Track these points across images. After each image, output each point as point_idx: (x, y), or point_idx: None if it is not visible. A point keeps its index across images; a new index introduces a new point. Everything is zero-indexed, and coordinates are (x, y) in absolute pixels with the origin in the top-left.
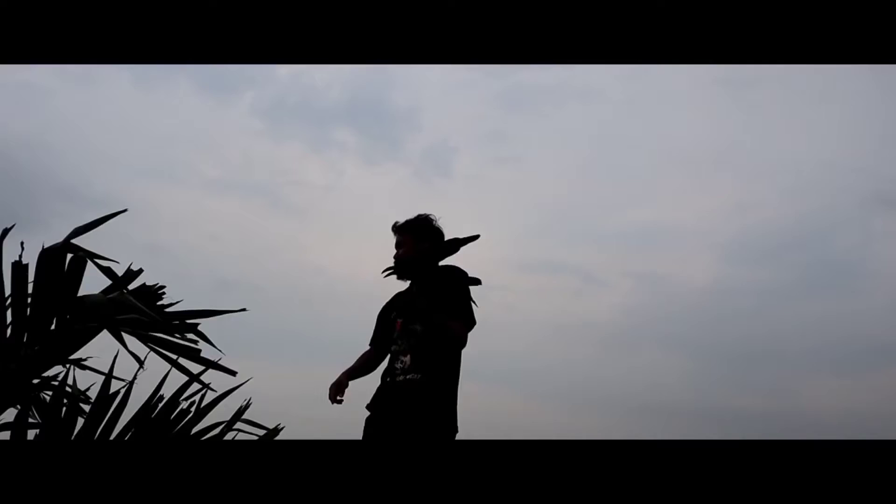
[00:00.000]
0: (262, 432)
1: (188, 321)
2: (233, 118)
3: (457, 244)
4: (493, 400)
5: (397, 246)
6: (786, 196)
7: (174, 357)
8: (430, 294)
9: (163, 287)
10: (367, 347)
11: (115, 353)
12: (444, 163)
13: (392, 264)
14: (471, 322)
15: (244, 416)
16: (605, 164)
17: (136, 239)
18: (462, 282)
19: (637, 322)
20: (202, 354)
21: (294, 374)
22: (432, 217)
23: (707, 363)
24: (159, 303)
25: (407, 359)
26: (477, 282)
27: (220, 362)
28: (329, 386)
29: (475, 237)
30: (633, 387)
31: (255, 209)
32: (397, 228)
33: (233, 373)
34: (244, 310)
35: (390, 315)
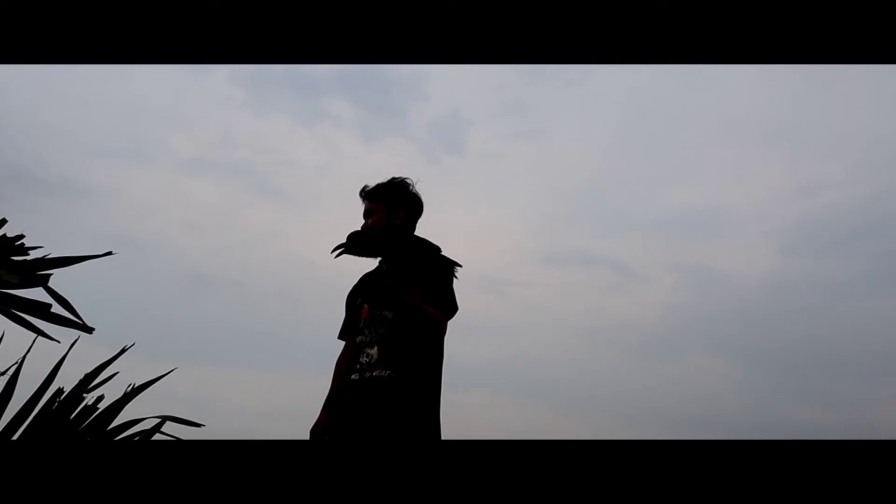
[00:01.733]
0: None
1: (39, 272)
2: (209, 87)
3: (437, 250)
4: (512, 414)
5: (366, 215)
6: (856, 175)
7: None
8: (403, 273)
9: (22, 237)
10: (342, 348)
11: None
12: (454, 138)
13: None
14: (452, 308)
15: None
16: (643, 137)
17: (98, 228)
18: (442, 259)
19: (681, 323)
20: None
21: (279, 383)
22: (409, 181)
23: (762, 370)
24: (21, 257)
25: (374, 352)
26: (456, 265)
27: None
28: (309, 431)
29: (456, 265)
30: (676, 398)
31: (235, 193)
32: (367, 194)
33: (89, 329)
34: (110, 253)
35: (356, 301)
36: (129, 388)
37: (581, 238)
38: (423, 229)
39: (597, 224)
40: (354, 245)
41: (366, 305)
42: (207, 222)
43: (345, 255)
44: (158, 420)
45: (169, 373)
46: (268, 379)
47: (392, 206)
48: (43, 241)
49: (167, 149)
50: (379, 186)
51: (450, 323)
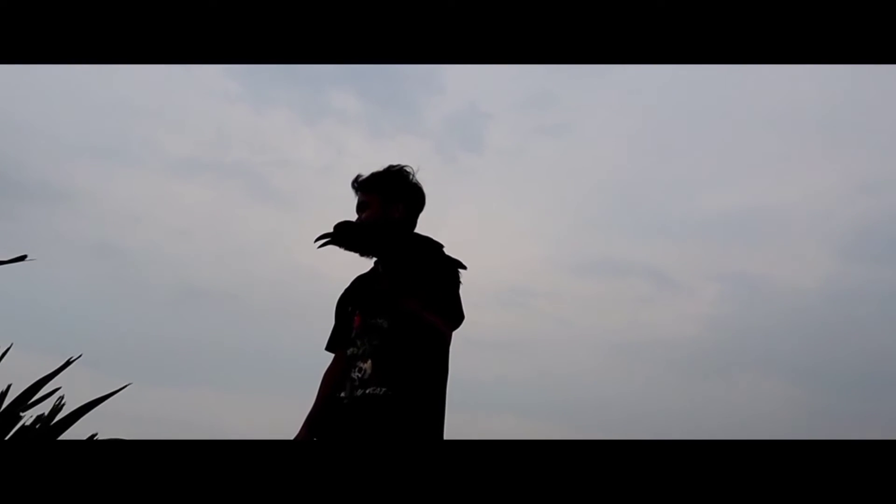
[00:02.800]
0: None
1: None
2: (201, 81)
3: (439, 249)
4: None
5: (359, 209)
6: None
7: None
8: (401, 275)
9: None
10: (331, 359)
11: None
12: (472, 134)
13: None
14: (457, 316)
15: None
16: (680, 131)
17: (82, 236)
18: (445, 260)
19: (727, 337)
20: None
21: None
22: (408, 169)
23: (818, 390)
24: None
25: (367, 366)
26: (459, 265)
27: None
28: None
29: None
30: (723, 421)
31: (231, 197)
32: (360, 185)
33: None
34: (24, 257)
35: (347, 307)
36: (60, 404)
37: (614, 244)
38: (438, 234)
39: (631, 229)
40: (342, 236)
41: (358, 313)
42: (200, 229)
43: (345, 258)
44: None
45: (121, 389)
46: (265, 403)
47: (389, 198)
48: (20, 249)
49: (155, 149)
50: (374, 176)
51: (469, 340)
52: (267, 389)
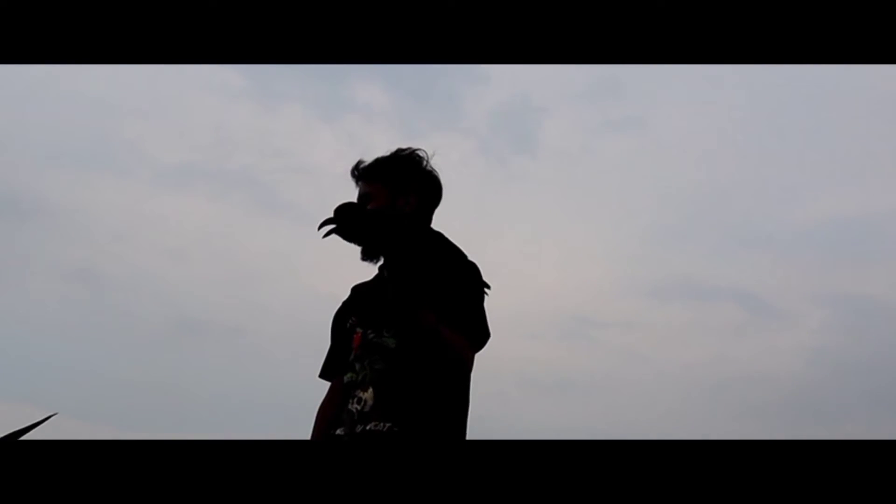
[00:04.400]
0: None
1: None
2: (196, 72)
3: (460, 254)
4: None
5: (360, 202)
6: None
7: None
8: (413, 279)
9: None
10: (326, 391)
11: None
12: (524, 131)
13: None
14: (482, 334)
15: None
16: (774, 128)
17: (54, 259)
18: (468, 264)
19: (835, 373)
20: None
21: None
22: (421, 154)
23: None
24: None
25: (367, 395)
26: (486, 285)
27: None
28: None
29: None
30: None
31: (233, 211)
32: (362, 172)
33: None
34: None
35: (346, 322)
36: None
37: (696, 263)
38: (483, 251)
39: (717, 244)
40: (346, 220)
41: (358, 329)
42: (196, 250)
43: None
44: None
45: (45, 420)
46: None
47: (397, 188)
48: None
49: (142, 155)
50: (379, 162)
51: (521, 379)
52: (273, 435)
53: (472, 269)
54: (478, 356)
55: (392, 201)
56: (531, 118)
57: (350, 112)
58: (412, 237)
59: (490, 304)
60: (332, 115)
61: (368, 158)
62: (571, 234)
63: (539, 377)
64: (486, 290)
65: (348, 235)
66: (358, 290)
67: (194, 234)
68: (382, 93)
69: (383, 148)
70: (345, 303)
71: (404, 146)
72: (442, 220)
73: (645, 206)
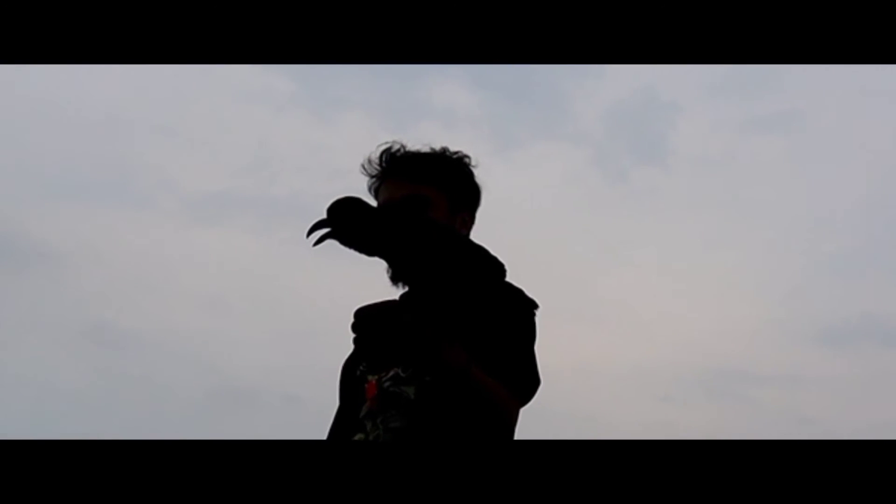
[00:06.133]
0: None
1: None
2: (236, 75)
3: (500, 270)
4: None
5: (409, 203)
6: None
7: None
8: (444, 310)
9: None
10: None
11: None
12: (651, 137)
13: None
14: (530, 382)
15: None
16: None
17: (66, 316)
18: (515, 293)
19: None
20: None
21: None
22: (472, 163)
23: None
24: None
25: None
26: (531, 304)
27: None
28: None
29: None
30: None
31: (282, 248)
32: (406, 162)
33: None
34: None
35: (356, 370)
36: None
37: (883, 298)
38: (599, 286)
39: None
40: (346, 217)
41: (370, 377)
42: (237, 298)
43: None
44: None
45: None
46: None
47: (457, 201)
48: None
49: (166, 181)
50: (429, 159)
51: None
52: None
53: (516, 293)
54: (584, 422)
55: (451, 215)
56: (659, 119)
57: (426, 118)
58: (461, 255)
59: (606, 355)
60: (404, 124)
61: (403, 146)
62: (714, 263)
63: None
64: (534, 310)
65: (344, 239)
66: (363, 316)
67: (234, 279)
68: (468, 93)
69: (472, 161)
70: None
71: (442, 147)
72: (545, 248)
73: (809, 226)
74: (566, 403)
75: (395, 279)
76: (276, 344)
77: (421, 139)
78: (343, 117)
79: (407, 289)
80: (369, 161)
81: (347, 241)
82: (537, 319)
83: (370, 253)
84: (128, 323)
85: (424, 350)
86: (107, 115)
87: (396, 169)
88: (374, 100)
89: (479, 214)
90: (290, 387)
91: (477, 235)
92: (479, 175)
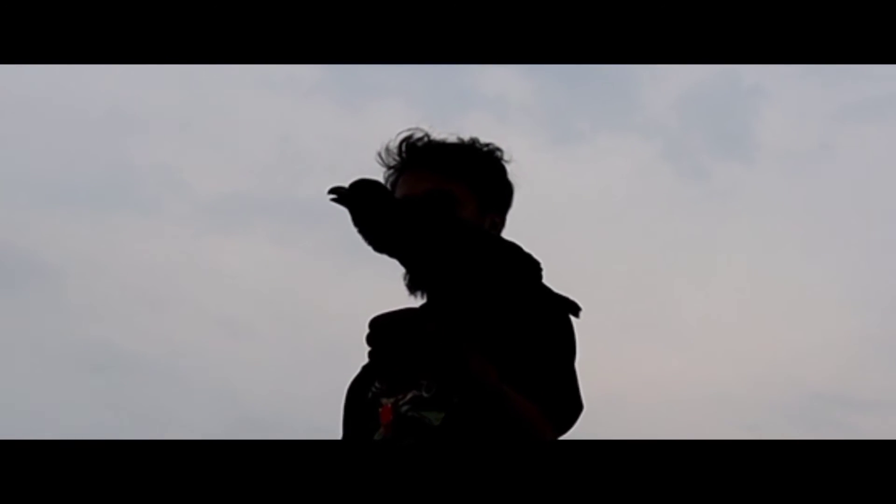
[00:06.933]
0: None
1: None
2: (248, 68)
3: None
4: None
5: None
6: None
7: None
8: (480, 324)
9: None
10: None
11: None
12: (734, 126)
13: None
14: (572, 407)
15: None
16: None
17: (65, 342)
18: (559, 302)
19: None
20: None
21: None
22: (504, 157)
23: None
24: None
25: None
26: (574, 307)
27: None
28: None
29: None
30: None
31: (310, 258)
32: (429, 153)
33: None
34: None
35: (367, 392)
36: None
37: None
38: (663, 295)
39: None
40: (366, 197)
41: (385, 400)
42: (260, 316)
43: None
44: None
45: None
46: None
47: (487, 199)
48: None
49: (177, 185)
50: (458, 150)
51: None
52: None
53: (555, 298)
54: None
55: (480, 216)
56: (741, 106)
57: (474, 108)
58: (489, 259)
59: (682, 377)
60: (447, 115)
61: (432, 135)
62: (808, 273)
63: None
64: (578, 310)
65: (361, 222)
66: (380, 326)
67: (254, 295)
68: (521, 79)
69: (525, 158)
70: (366, 367)
71: (472, 137)
72: (611, 254)
73: None
74: (633, 431)
75: (412, 287)
76: (304, 370)
77: (469, 133)
78: (377, 107)
79: (426, 298)
80: (387, 150)
81: (360, 222)
82: (577, 328)
83: (378, 247)
84: (132, 347)
85: (453, 365)
86: (106, 111)
87: (418, 160)
88: (414, 87)
89: (515, 216)
90: (317, 420)
91: (529, 241)
92: (521, 171)
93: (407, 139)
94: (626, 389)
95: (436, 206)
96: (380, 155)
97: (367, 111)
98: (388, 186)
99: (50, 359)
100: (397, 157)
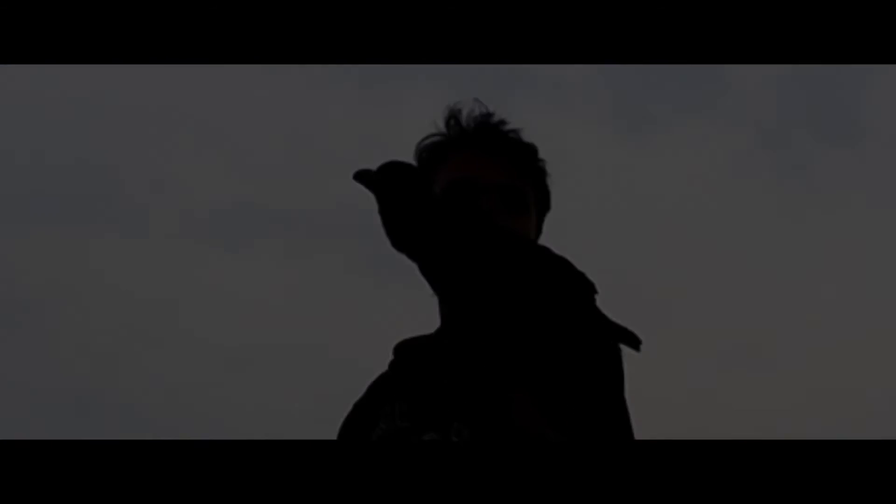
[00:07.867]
0: None
1: None
2: (269, 69)
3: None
4: None
5: (508, 205)
6: None
7: None
8: (521, 355)
9: None
10: None
11: None
12: (839, 108)
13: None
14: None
15: None
16: None
17: (49, 386)
18: (617, 332)
19: None
20: None
21: None
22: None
23: None
24: None
25: None
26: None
27: None
28: None
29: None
30: None
31: (333, 275)
32: (509, 140)
33: None
34: None
35: (368, 430)
36: None
37: None
38: (765, 309)
39: None
40: (402, 180)
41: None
42: (269, 348)
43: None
44: None
45: None
46: None
47: (543, 202)
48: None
49: (172, 192)
50: (529, 145)
51: None
52: None
53: (609, 325)
54: None
55: (538, 220)
56: (846, 83)
57: (525, 90)
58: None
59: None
60: (493, 98)
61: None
62: None
63: None
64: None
65: (388, 210)
66: (407, 352)
67: (261, 323)
68: (572, 70)
69: (582, 155)
70: (373, 384)
71: (518, 127)
72: (700, 261)
73: None
74: None
75: (443, 304)
76: (322, 410)
77: (519, 122)
78: (407, 94)
79: (453, 319)
80: (449, 119)
81: (388, 213)
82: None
83: (398, 244)
84: (126, 385)
85: (493, 409)
86: (110, 118)
87: (494, 143)
88: (450, 68)
89: (566, 222)
90: None
91: (582, 250)
92: (579, 164)
93: (482, 114)
94: (737, 424)
95: (505, 205)
96: (448, 120)
97: (393, 98)
98: (424, 154)
99: (31, 403)
100: (459, 129)
